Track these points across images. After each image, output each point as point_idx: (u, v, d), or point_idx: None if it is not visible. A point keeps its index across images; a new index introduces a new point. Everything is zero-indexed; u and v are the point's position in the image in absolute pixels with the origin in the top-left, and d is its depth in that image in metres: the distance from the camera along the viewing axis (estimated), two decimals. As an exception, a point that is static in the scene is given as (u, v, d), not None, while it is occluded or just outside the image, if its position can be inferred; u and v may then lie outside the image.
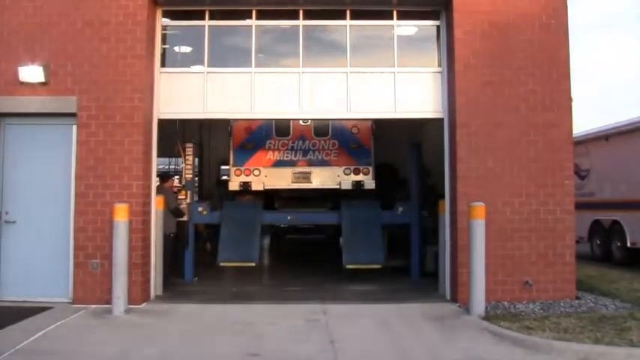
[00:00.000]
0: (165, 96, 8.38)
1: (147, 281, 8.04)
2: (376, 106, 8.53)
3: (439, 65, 8.51)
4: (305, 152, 11.63)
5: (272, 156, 11.62)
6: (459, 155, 7.89)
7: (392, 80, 8.47)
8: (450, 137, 8.23)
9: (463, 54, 7.96)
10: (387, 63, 8.54)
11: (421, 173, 10.81)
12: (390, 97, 8.45)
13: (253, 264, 9.55)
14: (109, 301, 7.28)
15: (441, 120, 8.47)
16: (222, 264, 9.63)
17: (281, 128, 11.66)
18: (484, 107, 7.92)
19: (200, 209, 10.20)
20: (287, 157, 11.63)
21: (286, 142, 11.67)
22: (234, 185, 11.49)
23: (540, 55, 7.96)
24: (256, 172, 11.46)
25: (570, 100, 8.03)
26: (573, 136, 8.23)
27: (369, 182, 11.48)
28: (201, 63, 8.50)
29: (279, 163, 11.57)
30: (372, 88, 8.50)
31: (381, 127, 12.25)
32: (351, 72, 8.51)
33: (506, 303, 7.55)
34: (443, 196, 8.50)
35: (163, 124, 8.48)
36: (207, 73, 8.45)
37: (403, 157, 11.84)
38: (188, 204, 10.20)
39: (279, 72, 8.64)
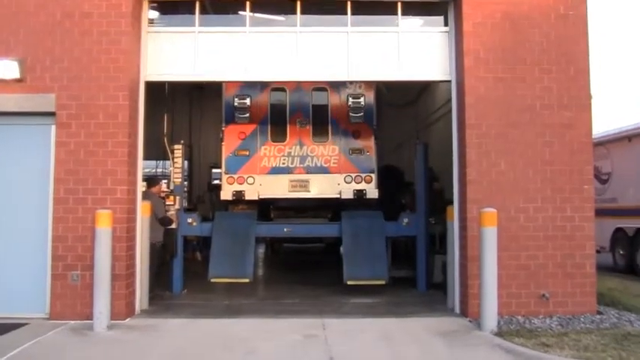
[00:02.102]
0: (153, 57, 8.37)
1: (132, 294, 7.98)
2: (379, 69, 8.53)
3: (446, 25, 8.53)
4: (303, 159, 11.56)
5: (267, 163, 11.54)
6: (469, 158, 7.87)
7: (396, 41, 8.47)
8: (459, 138, 8.21)
9: (473, 48, 7.94)
10: (391, 23, 8.61)
11: (428, 177, 10.73)
12: (394, 58, 8.46)
13: (247, 280, 9.49)
14: (90, 317, 7.21)
15: (448, 113, 8.49)
16: (213, 280, 9.55)
17: (277, 133, 11.65)
18: (495, 106, 7.90)
19: (189, 220, 10.16)
20: (283, 163, 11.54)
21: (282, 147, 11.60)
22: (226, 194, 11.39)
23: (557, 49, 7.93)
24: (250, 180, 11.37)
25: (590, 97, 7.99)
26: (593, 136, 8.20)
27: (371, 191, 11.36)
28: (192, 23, 8.52)
29: (274, 171, 11.49)
30: (374, 50, 8.52)
31: (384, 126, 12.25)
32: (351, 32, 8.52)
33: (520, 317, 7.51)
34: (451, 202, 8.45)
35: (149, 123, 8.44)
36: (199, 32, 8.47)
37: (408, 158, 11.83)
38: (177, 210, 10.14)
39: (275, 32, 8.67)
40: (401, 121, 15.89)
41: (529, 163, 7.86)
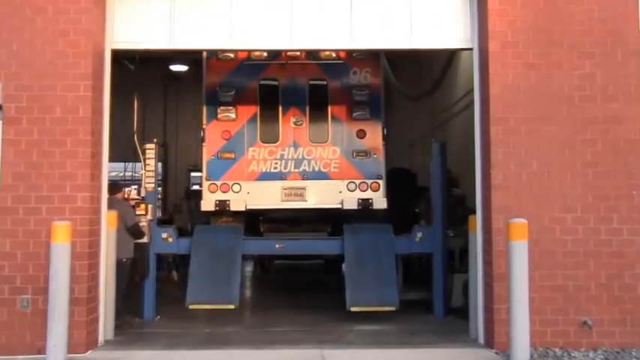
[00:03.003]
0: (121, 22, 8.36)
1: (94, 322, 7.90)
2: (386, 35, 8.56)
3: None
4: (298, 162, 11.54)
5: (256, 167, 11.52)
6: (494, 158, 7.83)
7: (407, 3, 8.50)
8: (483, 135, 8.18)
9: (499, 30, 7.91)
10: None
11: (447, 181, 10.73)
12: (405, 22, 8.48)
13: (232, 306, 9.48)
14: (42, 350, 7.08)
15: (470, 106, 8.57)
16: (191, 307, 9.54)
17: (267, 132, 11.64)
18: (526, 97, 7.87)
19: (164, 236, 10.12)
20: (275, 168, 11.53)
21: (274, 149, 11.58)
22: (207, 205, 11.39)
23: (601, 29, 7.87)
24: (236, 188, 11.35)
25: (641, 87, 7.97)
26: (644, 133, 8.19)
27: (378, 200, 11.36)
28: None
29: (265, 177, 11.48)
30: (382, 14, 8.53)
31: (395, 122, 12.18)
32: None
33: (557, 350, 7.43)
34: (474, 211, 8.43)
35: (116, 118, 8.46)
36: None
37: (423, 159, 11.79)
38: (149, 221, 10.10)
39: None
40: (414, 115, 15.90)
41: (566, 165, 7.81)
